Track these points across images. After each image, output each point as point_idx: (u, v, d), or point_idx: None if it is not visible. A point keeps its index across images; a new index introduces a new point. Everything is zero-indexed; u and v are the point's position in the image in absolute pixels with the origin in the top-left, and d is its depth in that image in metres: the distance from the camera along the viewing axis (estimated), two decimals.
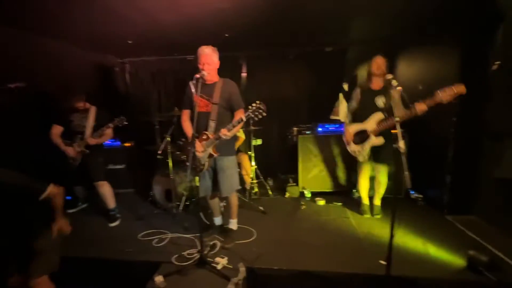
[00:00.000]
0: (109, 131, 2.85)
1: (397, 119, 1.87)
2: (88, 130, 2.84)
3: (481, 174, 2.75)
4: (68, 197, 3.50)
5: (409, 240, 2.45)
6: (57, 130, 2.87)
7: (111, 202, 3.00)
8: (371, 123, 2.65)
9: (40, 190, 1.58)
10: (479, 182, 2.78)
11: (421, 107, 2.24)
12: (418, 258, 2.21)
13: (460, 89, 2.07)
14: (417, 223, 2.74)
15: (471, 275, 1.96)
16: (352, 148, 2.81)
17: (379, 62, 2.62)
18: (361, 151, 2.74)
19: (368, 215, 2.98)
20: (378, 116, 2.61)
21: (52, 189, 1.60)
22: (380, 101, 2.60)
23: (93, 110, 2.91)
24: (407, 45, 3.65)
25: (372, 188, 3.03)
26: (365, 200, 3.07)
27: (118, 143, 4.06)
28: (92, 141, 2.80)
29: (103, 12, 2.52)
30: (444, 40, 2.99)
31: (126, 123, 2.80)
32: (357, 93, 2.82)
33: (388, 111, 2.57)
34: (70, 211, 3.31)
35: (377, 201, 2.99)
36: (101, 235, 2.77)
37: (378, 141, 2.64)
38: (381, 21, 3.06)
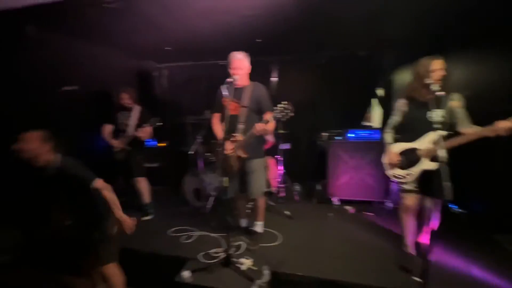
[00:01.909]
0: (148, 129, 3.04)
1: (467, 133, 1.71)
2: (131, 128, 3.08)
3: None
4: None
5: (450, 259, 2.25)
6: (108, 129, 3.15)
7: (146, 198, 3.20)
8: (425, 142, 2.03)
9: (89, 179, 1.74)
10: None
11: (504, 125, 1.69)
12: (459, 280, 2.02)
13: None
14: (459, 240, 2.51)
15: None
16: (396, 172, 2.18)
17: (441, 66, 1.95)
18: (407, 178, 2.11)
19: (407, 266, 2.12)
20: (435, 134, 1.91)
21: (99, 182, 1.76)
22: (438, 115, 1.88)
23: (137, 109, 3.14)
24: (449, 50, 3.40)
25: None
26: (411, 248, 2.22)
27: (154, 143, 4.32)
28: (141, 134, 3.01)
29: (145, 22, 2.73)
30: (496, 41, 2.73)
31: (161, 123, 2.98)
32: (402, 104, 2.19)
33: (449, 127, 1.96)
34: None
35: (424, 238, 2.26)
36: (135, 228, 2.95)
37: (432, 165, 1.98)
38: (421, 22, 2.89)
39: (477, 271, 2.09)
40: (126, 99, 3.08)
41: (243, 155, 2.30)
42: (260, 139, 2.44)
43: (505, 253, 2.36)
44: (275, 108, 2.04)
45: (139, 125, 3.07)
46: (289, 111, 1.98)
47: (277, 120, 2.05)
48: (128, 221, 1.80)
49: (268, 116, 2.23)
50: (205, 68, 4.65)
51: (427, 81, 1.82)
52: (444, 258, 2.25)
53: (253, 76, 2.45)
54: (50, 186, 1.79)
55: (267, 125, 2.10)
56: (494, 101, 2.64)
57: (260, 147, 2.49)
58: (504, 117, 1.68)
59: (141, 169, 3.19)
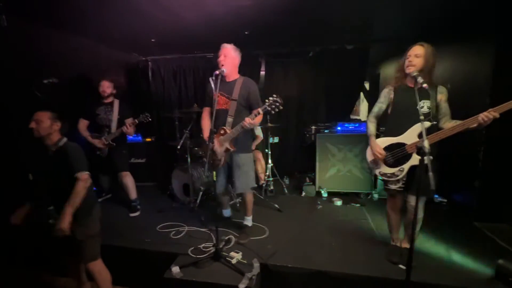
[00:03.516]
0: (133, 127, 2.95)
1: (451, 125, 1.71)
2: (114, 123, 2.99)
3: None
4: (94, 188, 3.69)
5: (432, 246, 2.33)
6: (83, 124, 3.05)
7: (133, 193, 3.13)
8: (411, 135, 1.92)
9: (76, 168, 1.77)
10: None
11: (486, 116, 1.65)
12: (441, 265, 2.10)
13: None
14: (441, 228, 2.61)
15: (500, 286, 1.84)
16: (384, 170, 2.05)
17: (418, 52, 1.88)
18: (397, 176, 1.98)
19: (396, 259, 2.10)
20: (421, 126, 1.68)
21: (84, 175, 1.77)
22: (425, 105, 1.87)
23: (116, 103, 3.05)
24: (435, 43, 3.47)
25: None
26: (396, 241, 2.26)
27: (140, 138, 4.21)
28: (129, 130, 2.89)
29: (130, 11, 2.62)
30: (476, 37, 2.82)
31: (150, 119, 2.91)
32: (388, 92, 2.08)
33: (436, 117, 1.87)
34: None
35: (407, 243, 2.16)
36: (122, 224, 2.88)
37: (419, 160, 1.75)
38: (407, 18, 2.93)
39: (458, 257, 2.18)
40: (106, 87, 2.96)
41: (231, 148, 2.29)
42: (248, 134, 2.44)
43: (484, 238, 2.48)
44: (266, 100, 2.05)
45: (120, 120, 3.00)
46: (279, 104, 1.98)
47: (267, 113, 2.06)
48: (63, 225, 1.64)
49: (256, 110, 2.22)
50: (193, 61, 4.55)
51: (414, 73, 1.79)
52: (427, 244, 2.34)
53: (241, 69, 2.42)
54: (49, 165, 1.82)
55: (255, 119, 2.11)
56: (473, 94, 2.73)
57: (248, 142, 2.49)
58: (482, 109, 1.69)
59: (125, 163, 3.13)
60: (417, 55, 1.88)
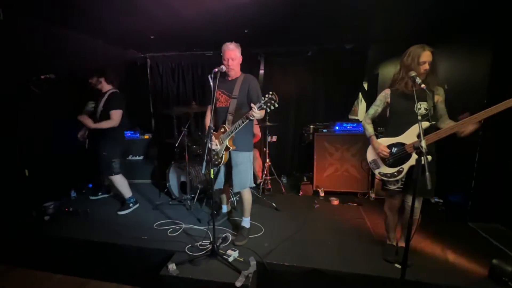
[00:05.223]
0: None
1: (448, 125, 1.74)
2: (98, 115, 2.91)
3: (509, 180, 2.59)
4: (90, 185, 3.68)
5: (427, 246, 2.35)
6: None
7: (126, 192, 3.11)
8: (410, 136, 1.94)
9: None
10: (506, 188, 2.62)
11: (471, 119, 1.69)
12: (436, 264, 2.11)
13: None
14: (437, 228, 2.63)
15: (494, 285, 1.86)
16: (383, 170, 2.05)
17: (430, 58, 1.88)
18: (396, 176, 1.99)
19: (391, 258, 2.14)
20: (420, 126, 1.62)
21: None
22: (422, 106, 1.91)
23: (107, 96, 2.93)
24: (433, 44, 3.49)
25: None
26: (393, 240, 2.29)
27: (137, 135, 4.19)
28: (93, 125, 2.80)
29: (129, 8, 2.60)
30: (474, 39, 2.83)
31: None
32: (385, 95, 2.09)
33: (434, 118, 1.88)
34: (92, 198, 3.47)
35: (403, 242, 2.18)
36: (119, 222, 2.87)
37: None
38: (406, 19, 2.94)
39: (453, 256, 2.20)
40: (94, 83, 2.89)
41: (231, 147, 2.28)
42: (249, 132, 2.41)
43: (479, 238, 2.50)
44: (262, 98, 1.98)
45: (103, 112, 2.85)
46: (275, 101, 1.93)
47: (263, 110, 2.03)
48: None
49: (254, 107, 2.17)
50: (192, 58, 4.53)
51: (412, 73, 1.79)
52: (423, 244, 2.36)
53: (240, 67, 2.41)
54: None
55: (260, 111, 2.03)
56: (471, 95, 2.75)
57: (248, 140, 2.44)
58: (480, 109, 1.68)
59: (107, 167, 2.93)
60: (429, 63, 1.88)
